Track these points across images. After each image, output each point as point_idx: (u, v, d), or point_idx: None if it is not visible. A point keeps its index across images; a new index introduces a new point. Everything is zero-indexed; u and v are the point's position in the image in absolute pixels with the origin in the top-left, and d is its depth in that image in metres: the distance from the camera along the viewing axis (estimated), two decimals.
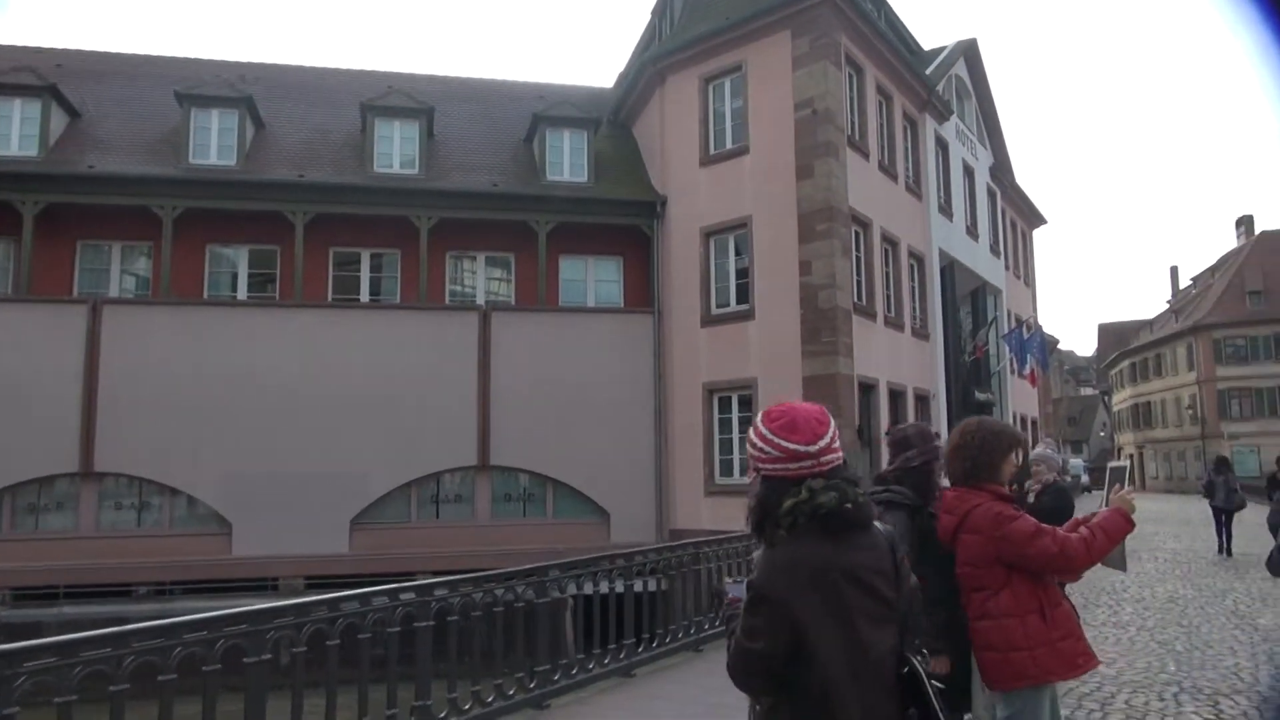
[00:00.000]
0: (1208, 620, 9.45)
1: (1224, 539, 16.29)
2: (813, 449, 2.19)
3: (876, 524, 2.27)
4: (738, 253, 17.97)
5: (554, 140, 20.39)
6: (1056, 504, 6.21)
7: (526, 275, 19.64)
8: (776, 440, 2.23)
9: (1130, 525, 3.41)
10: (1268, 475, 17.40)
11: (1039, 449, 7.49)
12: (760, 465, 2.26)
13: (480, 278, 20.01)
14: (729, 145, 18.30)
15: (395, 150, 19.66)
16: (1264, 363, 50.84)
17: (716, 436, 17.74)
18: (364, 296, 19.19)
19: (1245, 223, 59.20)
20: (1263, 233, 56.19)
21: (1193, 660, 7.54)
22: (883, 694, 2.15)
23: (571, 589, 7.00)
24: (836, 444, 2.25)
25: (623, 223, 19.68)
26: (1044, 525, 3.37)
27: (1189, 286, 64.19)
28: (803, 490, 2.16)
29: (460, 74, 26.33)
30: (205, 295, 18.37)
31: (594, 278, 20.27)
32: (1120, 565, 4.97)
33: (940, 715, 2.18)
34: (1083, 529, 3.36)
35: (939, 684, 2.25)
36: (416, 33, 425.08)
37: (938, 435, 4.03)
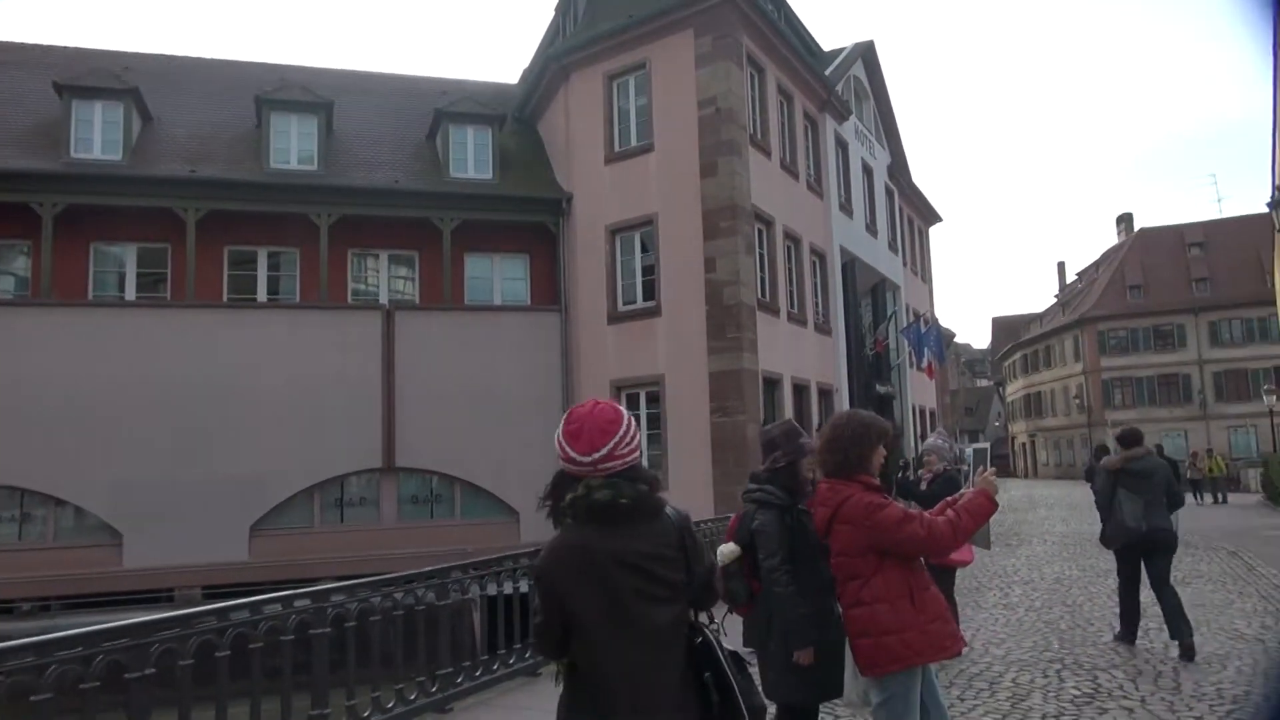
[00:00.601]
0: (1090, 599, 9.94)
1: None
2: (587, 460, 2.44)
3: (668, 512, 2.51)
4: (644, 250, 18.06)
5: (458, 136, 20.15)
6: (945, 491, 6.42)
7: (431, 273, 19.36)
8: (563, 444, 2.48)
9: (994, 506, 3.56)
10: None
11: (930, 440, 7.78)
12: (559, 458, 2.51)
13: (384, 276, 19.65)
14: (634, 143, 18.38)
15: (293, 145, 19.14)
16: (1144, 353, 53.54)
17: None
18: (261, 296, 18.62)
19: (1125, 220, 62.17)
20: (1141, 229, 59.12)
21: (1075, 638, 7.92)
22: (654, 662, 2.42)
23: (476, 590, 6.94)
24: (623, 450, 2.46)
25: (528, 220, 19.58)
26: (911, 511, 3.51)
27: (1075, 281, 67.11)
28: (580, 487, 2.43)
29: (360, 68, 25.74)
30: (90, 296, 17.56)
31: (500, 275, 20.12)
32: (985, 543, 5.20)
33: (732, 679, 2.46)
34: (949, 511, 3.50)
35: (731, 650, 2.54)
36: (313, 25, 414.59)
37: (804, 434, 4.20)
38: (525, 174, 20.22)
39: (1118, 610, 7.96)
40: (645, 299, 17.87)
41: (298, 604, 5.27)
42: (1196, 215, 73.36)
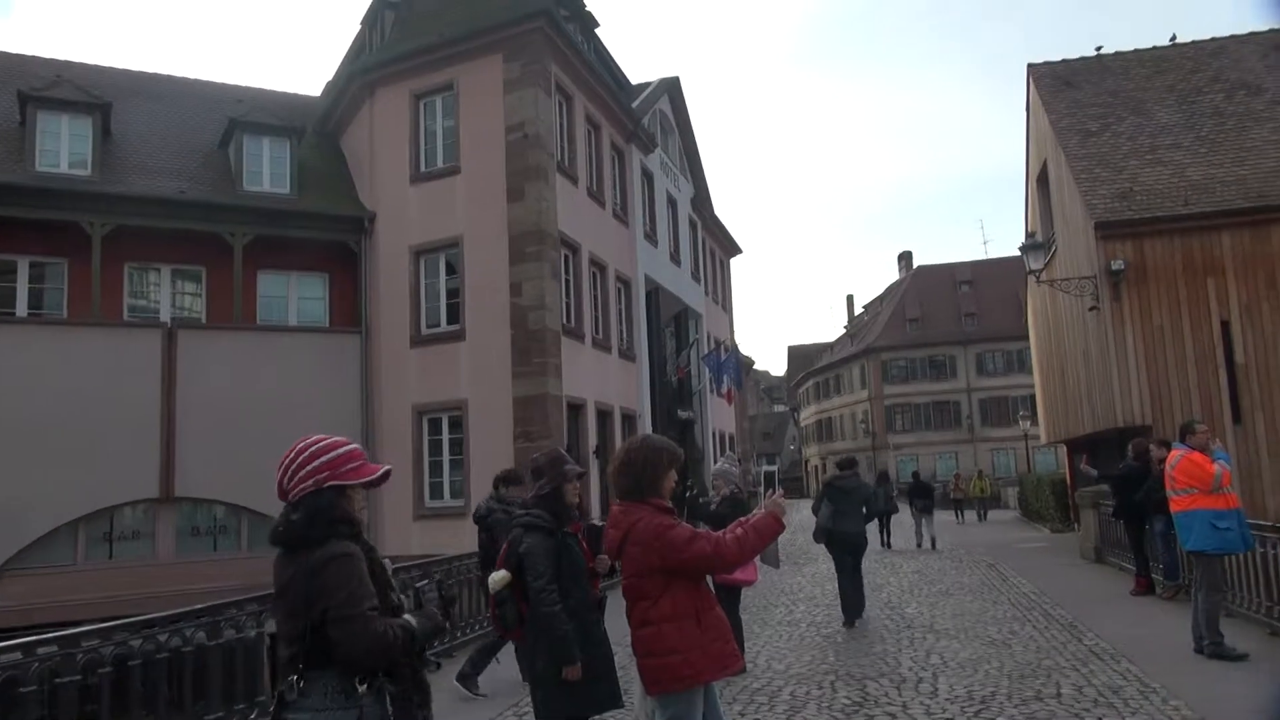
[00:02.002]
0: (865, 612, 10.61)
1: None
2: (278, 488, 2.68)
3: (326, 549, 2.56)
4: (449, 272, 17.85)
5: (253, 147, 19.22)
6: (732, 513, 6.77)
7: (220, 291, 18.29)
8: None
9: (781, 526, 3.79)
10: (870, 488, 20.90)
11: (720, 464, 8.12)
12: None
13: (165, 292, 18.39)
14: (440, 164, 18.18)
15: (63, 147, 17.63)
16: (921, 381, 57.96)
17: (426, 459, 17.45)
18: (21, 310, 16.98)
19: (906, 258, 67.27)
20: (919, 266, 64.14)
21: (850, 650, 8.45)
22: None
23: (252, 628, 6.58)
24: (289, 481, 2.65)
25: (328, 238, 18.91)
26: (699, 530, 3.69)
27: (862, 314, 71.82)
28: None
29: (145, 69, 24.06)
30: None
31: (297, 295, 19.29)
32: (774, 562, 5.53)
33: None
34: (738, 530, 3.70)
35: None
36: (92, 21, 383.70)
37: (569, 460, 4.41)
38: (326, 190, 19.53)
39: (890, 624, 8.53)
40: (449, 322, 17.65)
41: (41, 650, 4.83)
42: (967, 255, 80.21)
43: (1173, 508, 7.91)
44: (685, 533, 3.59)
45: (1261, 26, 19.21)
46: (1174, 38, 19.97)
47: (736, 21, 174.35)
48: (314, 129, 20.94)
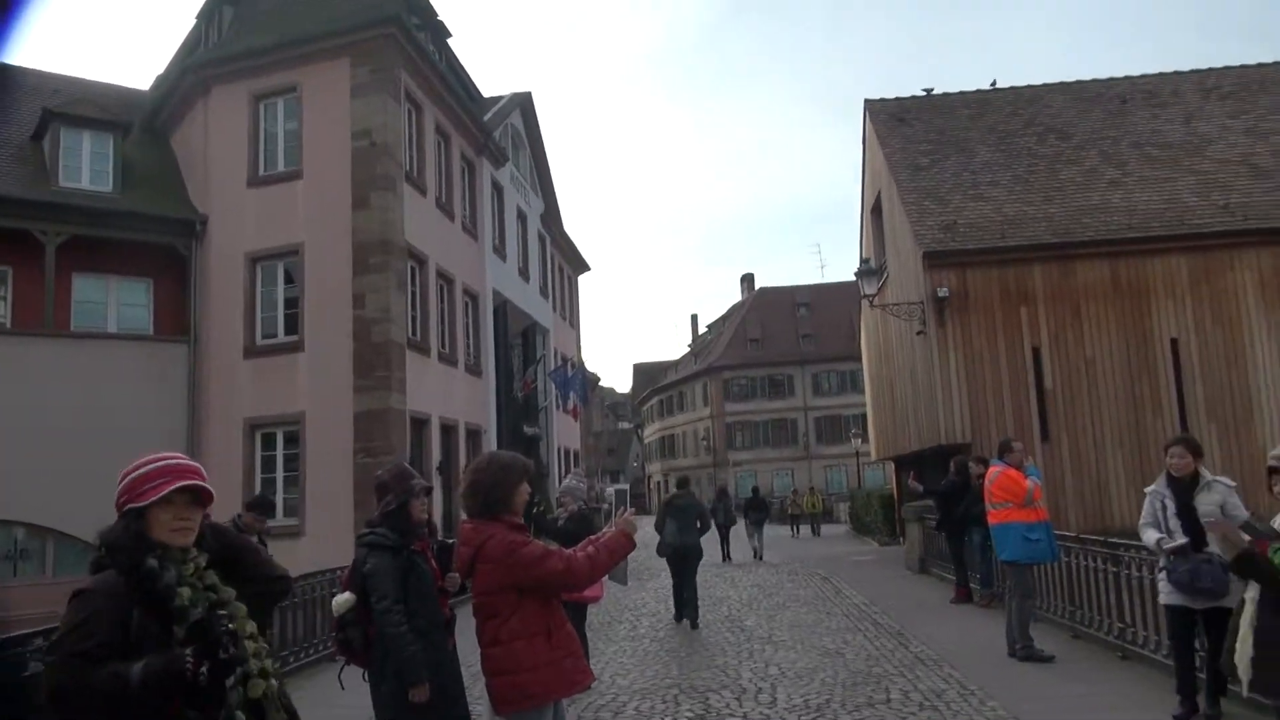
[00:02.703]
0: (707, 626, 10.84)
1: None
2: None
3: (91, 579, 2.39)
4: (288, 281, 17.13)
5: (70, 141, 17.88)
6: (580, 529, 6.81)
7: (29, 294, 16.85)
8: None
9: (631, 544, 3.83)
10: (710, 504, 22.33)
11: (567, 481, 8.14)
12: None
13: None
14: (281, 168, 17.46)
15: None
16: (761, 400, 59.83)
17: (259, 475, 16.62)
18: None
19: (748, 279, 69.41)
20: (761, 288, 66.31)
21: (692, 663, 8.60)
22: None
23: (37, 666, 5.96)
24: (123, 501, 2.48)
25: (154, 241, 17.76)
26: (552, 548, 3.69)
27: (706, 333, 73.53)
28: None
29: None
30: None
31: (117, 300, 18.00)
32: (623, 580, 5.59)
33: None
34: (589, 548, 3.71)
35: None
36: None
37: (415, 475, 4.33)
38: (152, 190, 18.37)
39: (730, 637, 8.72)
40: (287, 332, 16.92)
41: None
42: (806, 279, 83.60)
43: (990, 520, 8.48)
44: (538, 550, 3.58)
45: (1070, 78, 21.04)
46: (994, 83, 21.58)
47: (588, 42, 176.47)
48: (141, 125, 19.68)
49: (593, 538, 3.79)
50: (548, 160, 29.28)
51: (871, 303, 18.56)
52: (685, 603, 11.00)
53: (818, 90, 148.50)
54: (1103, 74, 22.13)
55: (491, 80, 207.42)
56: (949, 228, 16.79)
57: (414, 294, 17.79)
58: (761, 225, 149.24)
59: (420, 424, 17.53)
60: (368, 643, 4.05)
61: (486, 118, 23.14)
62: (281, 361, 16.73)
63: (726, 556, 20.52)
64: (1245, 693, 4.67)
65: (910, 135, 19.84)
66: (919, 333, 16.84)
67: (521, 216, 26.25)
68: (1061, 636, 8.76)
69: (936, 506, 13.10)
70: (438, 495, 17.66)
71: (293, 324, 16.87)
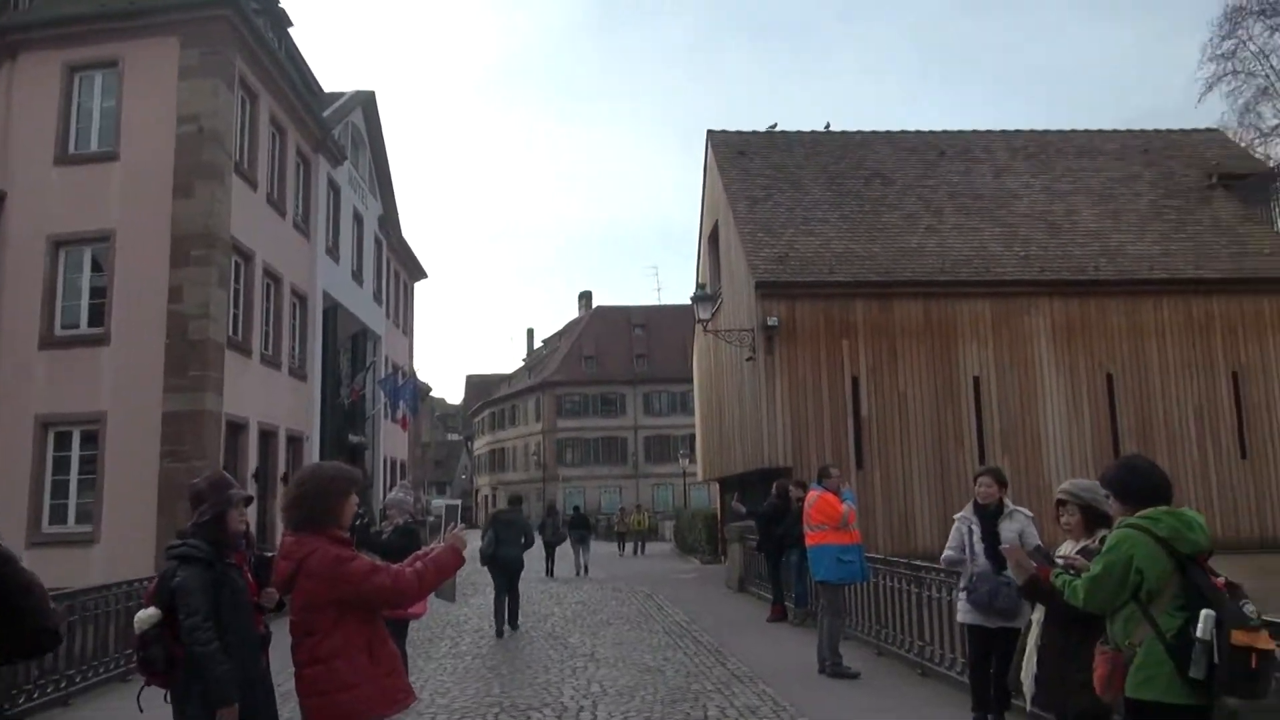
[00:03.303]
0: (530, 643, 10.78)
1: (549, 565, 21.18)
2: None
3: None
4: (95, 269, 15.90)
5: None
6: (404, 543, 6.64)
7: None
8: None
9: (460, 560, 3.78)
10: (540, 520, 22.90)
11: (393, 494, 7.93)
12: None
13: None
14: (95, 147, 16.21)
15: None
16: (593, 417, 60.22)
17: (49, 478, 15.26)
18: None
19: (586, 297, 69.88)
20: (599, 307, 66.88)
21: (515, 681, 8.53)
22: None
23: None
24: None
25: None
26: (379, 563, 3.58)
27: (541, 347, 73.42)
28: None
29: None
30: None
31: None
32: (450, 597, 5.48)
33: None
34: (418, 564, 3.63)
35: None
36: None
37: (234, 484, 4.14)
38: None
39: (554, 654, 8.70)
40: (91, 324, 15.67)
41: None
42: (643, 300, 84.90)
43: (806, 542, 8.87)
44: (365, 565, 3.48)
45: (895, 128, 22.42)
46: (828, 126, 22.71)
47: (439, 46, 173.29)
48: None
49: (420, 553, 3.72)
50: (389, 162, 28.55)
51: (705, 328, 19.08)
52: (499, 613, 11.74)
53: (664, 116, 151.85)
54: (924, 126, 23.72)
55: (334, 76, 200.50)
56: (781, 260, 17.50)
57: (237, 291, 16.89)
58: (603, 244, 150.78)
59: (237, 428, 16.63)
60: (172, 661, 3.79)
61: (326, 114, 22.34)
62: (82, 355, 15.47)
63: (550, 572, 20.92)
64: (1028, 708, 5.08)
65: (749, 168, 20.59)
66: (748, 359, 17.44)
67: (358, 218, 25.45)
68: (867, 654, 9.25)
69: (757, 527, 13.56)
70: (254, 505, 16.77)
71: (98, 315, 15.64)
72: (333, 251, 22.55)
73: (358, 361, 25.47)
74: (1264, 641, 3.34)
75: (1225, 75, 30.07)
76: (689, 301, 19.66)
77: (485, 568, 12.16)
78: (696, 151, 26.38)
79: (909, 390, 16.81)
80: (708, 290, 19.99)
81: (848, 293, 17.11)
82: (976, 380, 16.92)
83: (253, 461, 17.18)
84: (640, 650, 10.14)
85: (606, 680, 8.44)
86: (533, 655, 9.93)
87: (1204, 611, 3.32)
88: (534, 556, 24.51)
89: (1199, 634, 3.29)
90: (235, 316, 16.74)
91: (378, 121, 27.09)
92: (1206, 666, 3.27)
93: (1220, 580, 3.48)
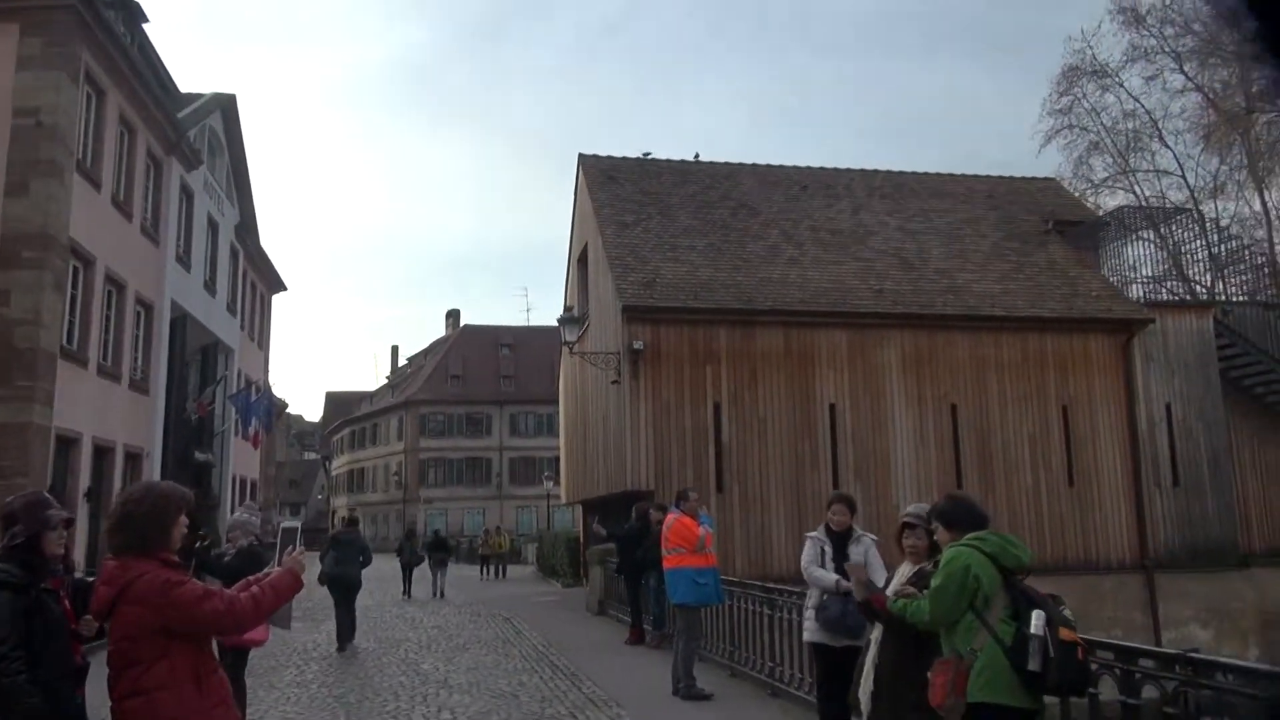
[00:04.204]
0: (381, 670, 10.47)
1: (407, 587, 21.62)
2: None
3: None
4: None
5: None
6: (248, 566, 6.33)
7: None
8: None
9: (299, 584, 3.64)
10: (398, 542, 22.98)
11: (238, 514, 7.59)
12: None
13: None
14: None
15: None
16: (457, 437, 59.22)
17: None
18: None
19: (454, 315, 68.81)
20: (465, 326, 65.99)
21: (362, 709, 8.26)
22: None
23: None
24: None
25: None
26: (212, 588, 3.42)
27: (406, 365, 71.78)
28: None
29: None
30: None
31: None
32: (285, 623, 5.27)
33: None
34: (254, 588, 3.48)
35: None
36: None
37: (52, 504, 3.90)
38: None
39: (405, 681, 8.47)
40: None
41: None
42: (511, 320, 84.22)
43: (664, 565, 8.97)
44: (196, 590, 3.31)
45: (763, 162, 23.13)
46: (697, 156, 23.24)
47: (305, 54, 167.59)
48: None
49: (255, 577, 3.57)
50: (248, 169, 27.47)
51: (571, 350, 19.10)
52: (340, 629, 12.27)
53: (536, 136, 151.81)
54: (788, 160, 24.58)
55: (193, 76, 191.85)
56: (648, 285, 17.73)
57: (74, 297, 15.85)
58: (471, 263, 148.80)
59: (68, 443, 15.55)
60: None
61: (182, 115, 21.31)
62: None
63: (408, 594, 21.15)
64: None
65: (619, 193, 20.81)
66: (614, 382, 17.55)
67: (213, 225, 24.34)
68: (721, 675, 9.39)
69: (617, 550, 13.61)
70: (85, 525, 15.72)
71: None
72: (184, 259, 21.48)
73: (208, 375, 24.26)
74: (1081, 640, 3.80)
75: (1061, 129, 32.50)
76: (556, 323, 19.64)
77: (325, 587, 12.70)
78: (568, 174, 26.51)
79: (768, 416, 17.26)
80: (575, 313, 20.03)
81: (712, 319, 17.47)
82: (832, 408, 17.52)
83: (86, 479, 16.11)
84: (495, 675, 10.00)
85: (459, 707, 8.28)
86: (383, 682, 9.64)
87: (1035, 610, 3.73)
88: (390, 579, 24.04)
89: (1033, 629, 3.67)
90: (71, 324, 15.71)
91: (238, 126, 26.06)
92: (1042, 659, 3.63)
93: (1039, 591, 3.89)
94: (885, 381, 17.77)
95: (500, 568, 31.08)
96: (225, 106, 25.11)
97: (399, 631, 14.32)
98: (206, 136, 23.83)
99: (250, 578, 3.60)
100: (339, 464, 71.87)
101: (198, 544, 7.03)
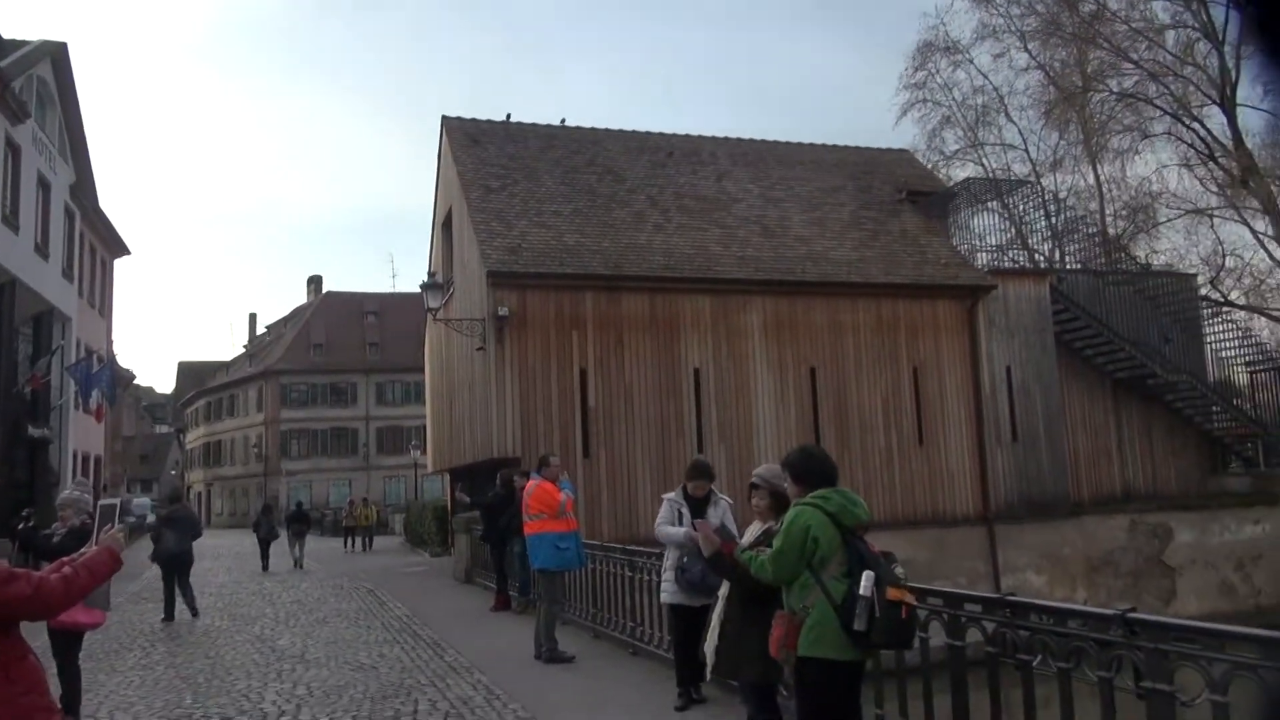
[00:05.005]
0: (234, 648, 10.13)
1: (265, 561, 21.12)
2: None
3: None
4: None
5: None
6: (76, 546, 5.97)
7: None
8: None
9: (117, 563, 3.47)
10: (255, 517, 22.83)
11: (68, 492, 7.16)
12: None
13: None
14: None
15: None
16: (320, 407, 57.44)
17: None
18: None
19: (316, 282, 66.41)
20: (329, 292, 63.81)
21: (210, 689, 7.97)
22: None
23: None
24: None
25: None
26: (18, 570, 3.22)
27: (265, 334, 68.95)
28: None
29: None
30: None
31: None
32: (104, 604, 5.03)
33: None
34: (66, 568, 3.30)
35: None
36: None
37: None
38: None
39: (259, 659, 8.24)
40: None
41: None
42: (377, 286, 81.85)
43: (525, 531, 8.98)
44: (1, 572, 3.11)
45: (630, 128, 23.12)
46: (564, 121, 23.01)
47: (147, 4, 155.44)
48: None
49: (70, 557, 3.38)
50: (84, 125, 25.63)
51: (434, 316, 18.74)
52: (168, 603, 12.53)
53: (398, 97, 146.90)
54: (654, 127, 24.68)
55: (18, 23, 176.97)
56: (513, 250, 17.53)
57: None
58: (334, 227, 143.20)
59: None
60: None
61: (5, 63, 19.64)
62: None
63: (265, 567, 20.82)
64: (708, 677, 5.46)
65: (484, 157, 20.44)
66: (479, 349, 17.33)
67: (44, 184, 22.64)
68: (585, 637, 9.51)
69: (481, 517, 13.54)
70: None
71: None
72: (10, 220, 19.93)
73: (41, 345, 22.68)
74: (910, 597, 3.96)
75: (916, 103, 33.73)
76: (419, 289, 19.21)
77: (156, 563, 12.99)
78: (432, 136, 25.87)
79: (634, 381, 17.40)
80: (439, 278, 19.63)
81: (578, 285, 17.42)
82: (697, 372, 17.81)
83: None
84: (355, 648, 9.83)
85: (315, 682, 8.10)
86: (234, 660, 9.33)
87: (865, 572, 3.84)
88: (250, 555, 23.22)
89: (861, 591, 3.80)
90: None
91: (70, 77, 24.23)
92: (867, 619, 3.77)
93: (875, 547, 4.03)
94: (747, 346, 18.16)
95: (367, 540, 30.42)
96: (55, 55, 23.29)
97: (255, 608, 13.87)
98: (35, 88, 22.07)
99: (64, 559, 3.41)
100: (194, 437, 68.68)
101: (20, 524, 6.63)
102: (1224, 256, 29.32)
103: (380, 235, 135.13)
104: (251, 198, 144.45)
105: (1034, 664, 4.28)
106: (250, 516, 50.94)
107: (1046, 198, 25.22)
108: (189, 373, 74.25)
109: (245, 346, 69.98)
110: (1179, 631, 3.75)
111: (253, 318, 73.46)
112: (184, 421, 72.99)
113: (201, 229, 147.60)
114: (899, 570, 4.02)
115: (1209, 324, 22.26)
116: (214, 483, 62.68)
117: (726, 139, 23.75)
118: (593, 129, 22.88)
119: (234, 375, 63.71)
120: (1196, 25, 27.04)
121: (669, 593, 6.73)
